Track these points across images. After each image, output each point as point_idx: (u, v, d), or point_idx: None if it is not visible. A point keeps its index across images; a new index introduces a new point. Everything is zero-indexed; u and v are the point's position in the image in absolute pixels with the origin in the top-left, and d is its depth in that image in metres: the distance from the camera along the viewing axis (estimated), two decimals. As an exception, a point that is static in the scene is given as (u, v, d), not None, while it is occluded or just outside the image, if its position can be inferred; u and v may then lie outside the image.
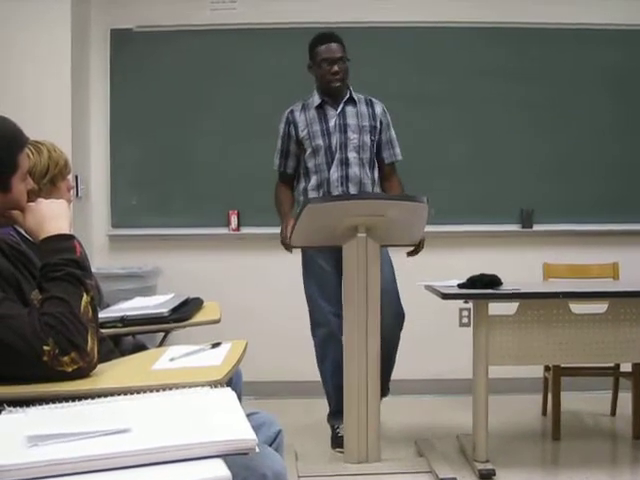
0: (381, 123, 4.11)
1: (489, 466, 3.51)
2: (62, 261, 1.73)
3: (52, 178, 2.61)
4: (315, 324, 4.06)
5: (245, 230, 5.15)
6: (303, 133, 4.03)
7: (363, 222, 3.57)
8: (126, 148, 5.15)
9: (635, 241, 5.16)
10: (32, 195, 1.93)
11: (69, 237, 1.81)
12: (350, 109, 4.06)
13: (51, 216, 1.84)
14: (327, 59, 3.98)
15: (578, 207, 5.17)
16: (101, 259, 5.04)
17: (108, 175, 5.16)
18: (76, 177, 4.68)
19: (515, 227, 5.19)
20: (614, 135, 5.19)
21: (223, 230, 5.16)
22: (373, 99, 4.15)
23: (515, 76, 5.14)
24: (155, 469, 1.14)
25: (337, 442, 3.94)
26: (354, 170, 4.01)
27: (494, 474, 3.47)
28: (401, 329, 4.06)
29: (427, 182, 4.76)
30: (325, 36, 4.04)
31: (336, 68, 3.98)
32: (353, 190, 4.00)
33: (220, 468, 1.14)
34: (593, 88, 5.18)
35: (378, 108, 4.13)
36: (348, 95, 4.07)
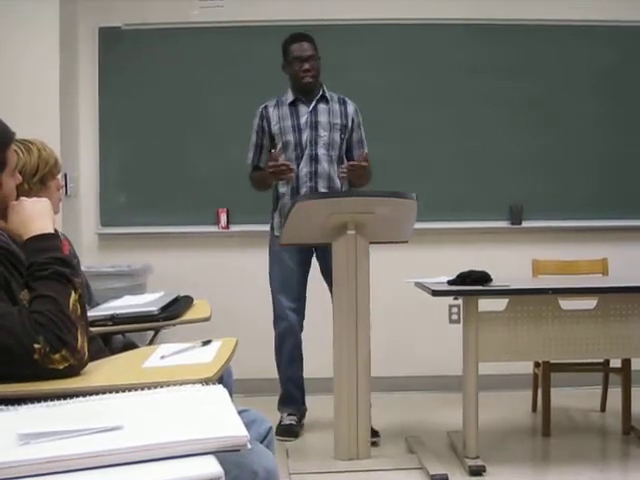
0: (353, 121, 4.20)
1: (479, 462, 3.52)
2: (48, 260, 1.73)
3: (42, 177, 2.60)
4: (276, 317, 4.22)
5: (234, 228, 5.14)
6: (275, 128, 4.15)
7: (352, 219, 3.58)
8: (115, 146, 5.13)
9: (624, 237, 5.17)
10: (22, 193, 1.92)
11: (53, 236, 1.81)
12: (322, 107, 4.16)
13: (34, 216, 1.83)
14: (299, 57, 4.10)
15: (567, 203, 5.18)
16: (90, 257, 5.02)
17: (97, 173, 5.14)
18: (65, 175, 4.66)
19: (504, 223, 5.19)
20: (603, 131, 5.20)
21: (212, 228, 5.15)
22: (346, 98, 4.24)
23: (503, 73, 5.14)
24: (147, 466, 1.14)
25: (280, 430, 4.01)
26: (323, 166, 4.10)
27: (484, 470, 3.48)
28: None
29: (416, 178, 4.76)
30: (296, 36, 4.17)
31: (307, 66, 4.09)
32: (322, 185, 4.09)
33: (212, 465, 1.14)
34: (582, 84, 5.19)
35: (350, 108, 4.22)
36: (321, 93, 4.17)
